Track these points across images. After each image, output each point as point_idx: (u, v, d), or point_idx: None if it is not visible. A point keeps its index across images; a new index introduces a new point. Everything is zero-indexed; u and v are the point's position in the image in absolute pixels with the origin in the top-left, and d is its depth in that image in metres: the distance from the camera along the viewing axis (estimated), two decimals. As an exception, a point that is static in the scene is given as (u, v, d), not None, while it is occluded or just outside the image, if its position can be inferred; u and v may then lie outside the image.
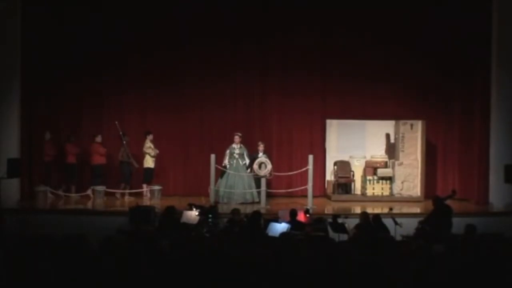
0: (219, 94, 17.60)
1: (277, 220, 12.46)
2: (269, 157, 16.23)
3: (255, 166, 15.80)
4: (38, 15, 16.44)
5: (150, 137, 16.73)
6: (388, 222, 12.24)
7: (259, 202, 15.73)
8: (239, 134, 16.36)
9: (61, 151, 16.73)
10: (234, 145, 16.30)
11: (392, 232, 11.87)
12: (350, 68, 17.41)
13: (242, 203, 15.70)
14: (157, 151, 16.74)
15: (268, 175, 15.79)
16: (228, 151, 16.29)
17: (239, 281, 6.61)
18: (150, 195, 16.63)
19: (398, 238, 11.71)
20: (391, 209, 14.41)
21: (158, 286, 6.54)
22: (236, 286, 6.58)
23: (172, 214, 12.77)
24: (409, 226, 12.47)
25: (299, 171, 16.35)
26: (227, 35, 17.30)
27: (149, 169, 16.74)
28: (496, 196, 16.04)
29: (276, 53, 17.51)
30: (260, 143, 16.46)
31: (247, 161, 16.18)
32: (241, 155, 16.23)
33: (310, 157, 15.69)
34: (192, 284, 6.53)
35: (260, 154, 16.24)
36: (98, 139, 16.72)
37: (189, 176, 17.41)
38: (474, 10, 16.42)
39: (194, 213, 13.18)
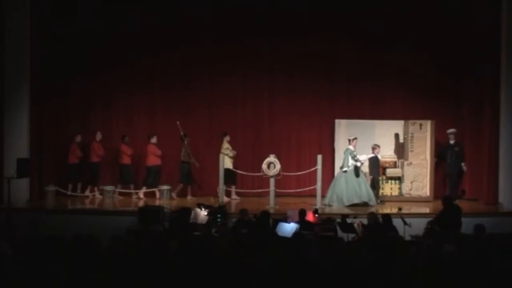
0: (228, 94, 17.66)
1: (286, 220, 12.47)
2: (277, 156, 16.13)
3: (264, 166, 15.78)
4: (47, 14, 16.43)
5: (227, 138, 16.66)
6: (397, 222, 12.22)
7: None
8: (356, 137, 16.26)
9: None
10: (352, 148, 16.09)
11: (401, 232, 11.85)
12: (359, 68, 17.41)
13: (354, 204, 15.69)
14: (235, 152, 16.71)
15: (276, 175, 15.79)
16: (349, 155, 16.03)
17: (247, 281, 6.61)
18: (160, 195, 16.63)
19: (407, 238, 11.69)
20: (400, 209, 14.37)
21: (165, 286, 6.55)
22: (244, 286, 6.59)
23: (186, 215, 12.80)
24: (418, 226, 12.46)
25: (308, 171, 16.37)
26: (236, 36, 17.29)
27: (227, 170, 16.44)
28: (505, 196, 15.97)
29: (284, 53, 17.48)
30: (375, 145, 16.43)
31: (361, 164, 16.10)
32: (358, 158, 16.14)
33: (319, 157, 15.68)
34: (200, 284, 6.53)
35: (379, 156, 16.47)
36: (154, 140, 16.75)
37: (198, 175, 17.36)
38: (483, 10, 16.35)
39: (203, 213, 13.21)
